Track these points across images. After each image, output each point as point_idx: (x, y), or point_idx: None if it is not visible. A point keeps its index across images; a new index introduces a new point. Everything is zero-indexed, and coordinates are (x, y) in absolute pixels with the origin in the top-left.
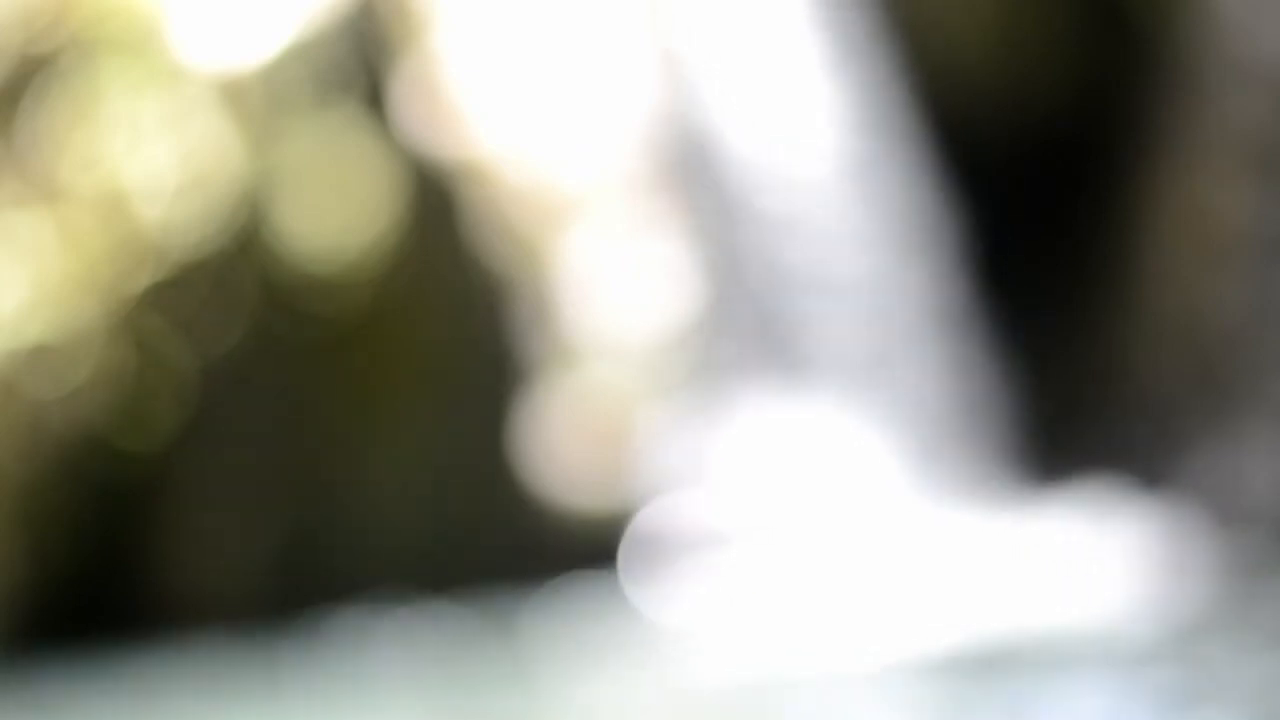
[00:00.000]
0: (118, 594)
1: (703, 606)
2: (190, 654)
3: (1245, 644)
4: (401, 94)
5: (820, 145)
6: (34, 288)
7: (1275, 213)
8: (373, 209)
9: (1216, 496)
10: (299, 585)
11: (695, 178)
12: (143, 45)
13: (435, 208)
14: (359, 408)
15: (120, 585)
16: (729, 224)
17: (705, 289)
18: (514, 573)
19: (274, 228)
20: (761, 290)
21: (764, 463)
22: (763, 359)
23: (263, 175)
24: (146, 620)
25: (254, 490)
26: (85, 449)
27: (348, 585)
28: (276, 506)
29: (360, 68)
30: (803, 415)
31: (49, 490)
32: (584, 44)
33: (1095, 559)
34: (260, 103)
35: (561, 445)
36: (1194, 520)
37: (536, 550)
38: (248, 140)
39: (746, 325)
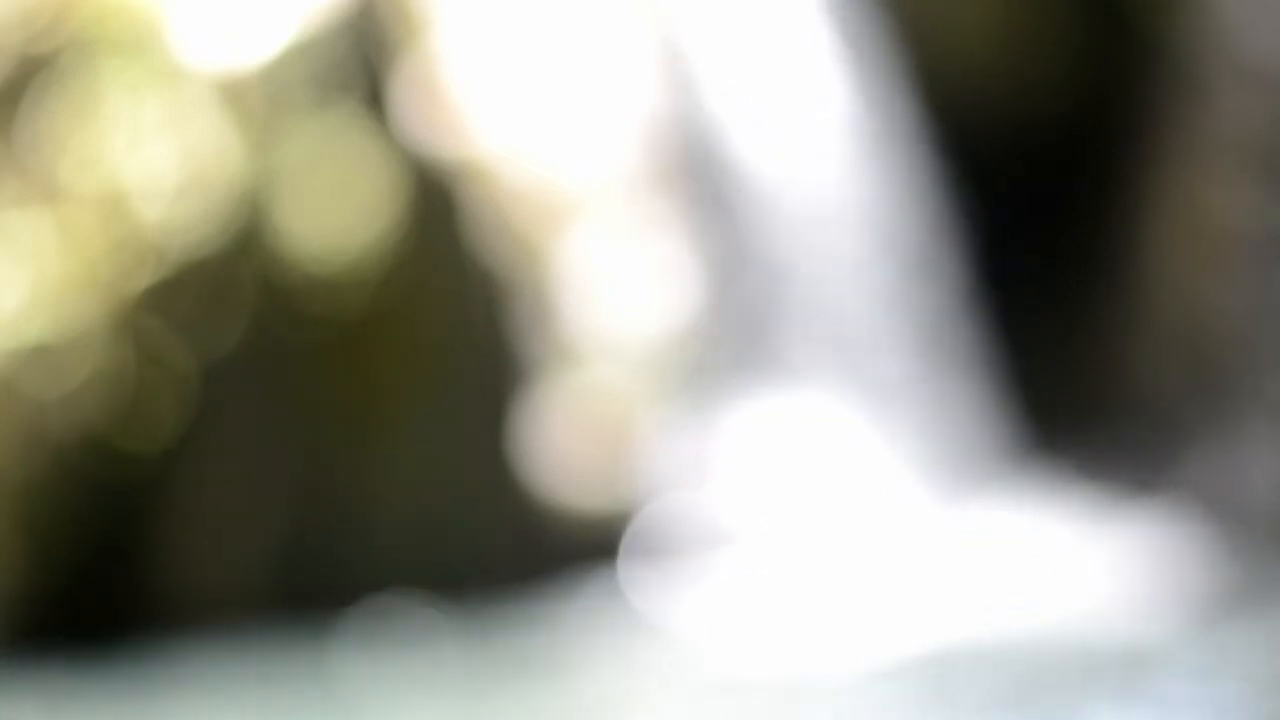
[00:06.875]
0: (118, 595)
1: (703, 606)
2: (191, 655)
3: (1244, 644)
4: (401, 94)
5: (822, 145)
6: (34, 288)
7: (1275, 213)
8: (373, 209)
9: (1216, 496)
10: (300, 585)
11: (695, 178)
12: (143, 45)
13: (435, 208)
14: (359, 408)
15: (120, 586)
16: (729, 224)
17: (705, 289)
18: (514, 572)
19: (274, 228)
20: (762, 290)
21: (764, 462)
22: (763, 359)
23: (263, 175)
24: (146, 621)
25: (255, 490)
26: (85, 449)
27: (349, 585)
28: (277, 506)
29: (360, 68)
30: (802, 415)
31: (49, 491)
32: (584, 44)
33: (1094, 558)
34: (260, 103)
35: (562, 445)
36: (1193, 520)
37: (536, 549)
38: (248, 140)
39: (747, 325)
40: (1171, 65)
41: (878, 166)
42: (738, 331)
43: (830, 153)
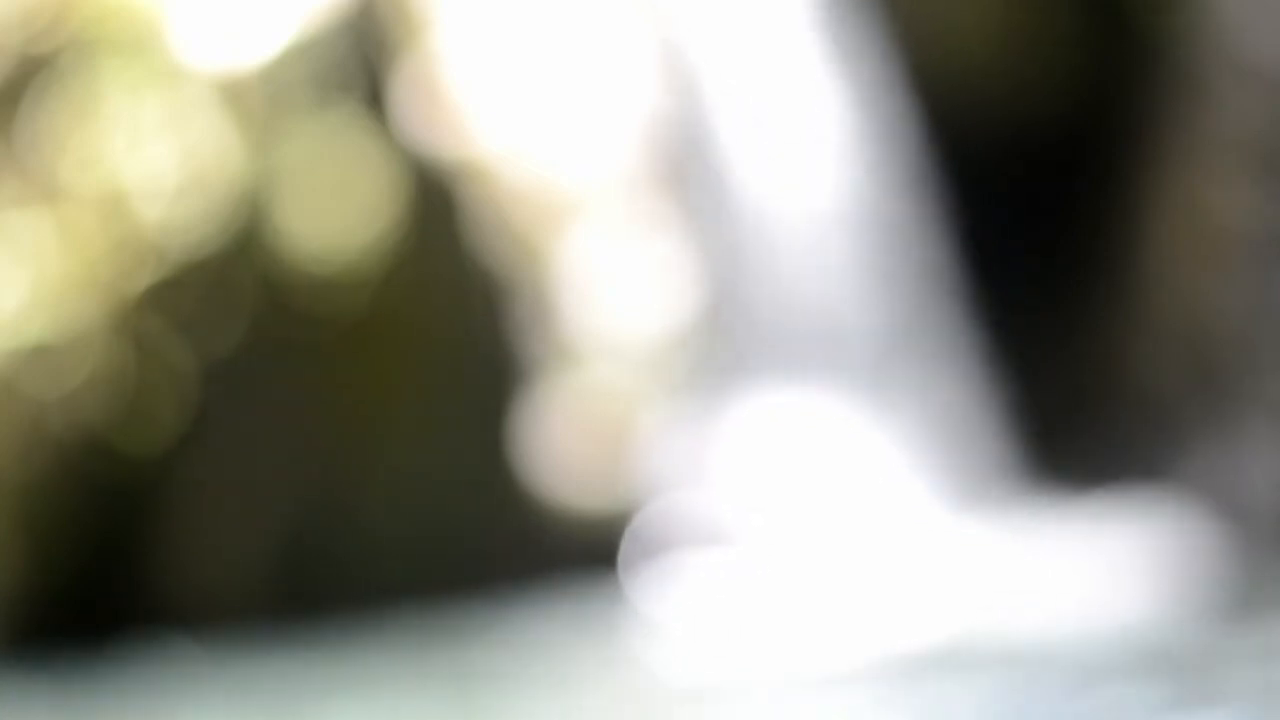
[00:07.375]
0: (118, 595)
1: (702, 607)
2: (190, 655)
3: (1244, 645)
4: (401, 94)
5: (821, 144)
6: (34, 288)
7: (1275, 213)
8: (373, 209)
9: (1216, 496)
10: (300, 585)
11: (695, 178)
12: (143, 45)
13: (435, 208)
14: (359, 408)
15: (120, 586)
16: (729, 224)
17: (705, 289)
18: (513, 572)
19: (274, 228)
20: (761, 290)
21: (764, 463)
22: (762, 359)
23: (263, 175)
24: (147, 621)
25: (255, 490)
26: (85, 449)
27: (348, 585)
28: (277, 507)
29: (360, 68)
30: (803, 416)
31: (49, 491)
32: (584, 44)
33: (1094, 560)
34: (260, 103)
35: (561, 445)
36: (1194, 520)
37: (536, 550)
38: (248, 140)
39: (746, 325)
40: (1171, 65)
41: (877, 166)
42: (737, 331)
43: (829, 153)
